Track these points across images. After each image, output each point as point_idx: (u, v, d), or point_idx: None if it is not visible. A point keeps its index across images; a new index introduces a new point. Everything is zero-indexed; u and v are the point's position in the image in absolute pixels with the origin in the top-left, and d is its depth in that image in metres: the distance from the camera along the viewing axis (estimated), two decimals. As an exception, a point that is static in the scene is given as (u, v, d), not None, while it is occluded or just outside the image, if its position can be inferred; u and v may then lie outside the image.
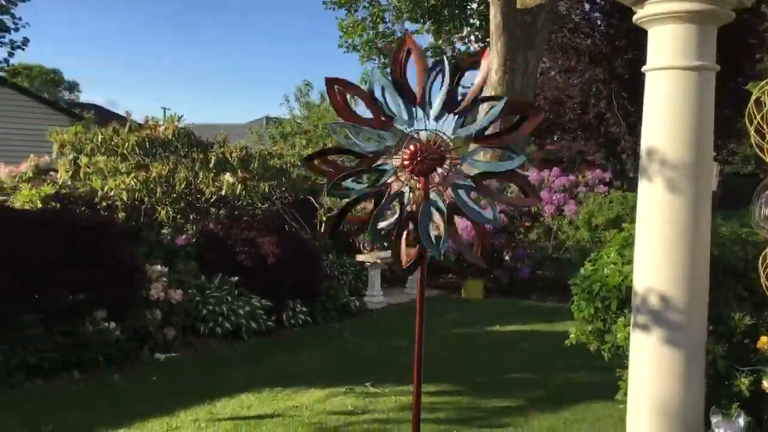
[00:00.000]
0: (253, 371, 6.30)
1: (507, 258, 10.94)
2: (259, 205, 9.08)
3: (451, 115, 3.34)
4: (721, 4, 3.45)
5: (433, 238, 3.33)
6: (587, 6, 21.38)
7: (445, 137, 3.38)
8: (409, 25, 22.59)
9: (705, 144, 3.53)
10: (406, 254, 3.43)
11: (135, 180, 8.01)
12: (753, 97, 3.54)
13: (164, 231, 8.11)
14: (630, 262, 3.92)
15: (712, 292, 3.66)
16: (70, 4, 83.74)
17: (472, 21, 22.35)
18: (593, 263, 4.33)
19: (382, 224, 3.46)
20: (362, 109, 3.54)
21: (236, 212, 8.92)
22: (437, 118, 3.37)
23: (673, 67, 3.48)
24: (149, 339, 6.72)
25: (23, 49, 28.31)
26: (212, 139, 9.12)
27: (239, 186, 8.36)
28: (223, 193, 8.40)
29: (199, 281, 7.56)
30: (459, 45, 23.01)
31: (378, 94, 3.44)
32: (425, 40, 23.57)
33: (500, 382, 6.08)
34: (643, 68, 3.64)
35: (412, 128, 3.41)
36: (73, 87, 48.43)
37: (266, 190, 8.74)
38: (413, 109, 3.40)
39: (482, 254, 3.44)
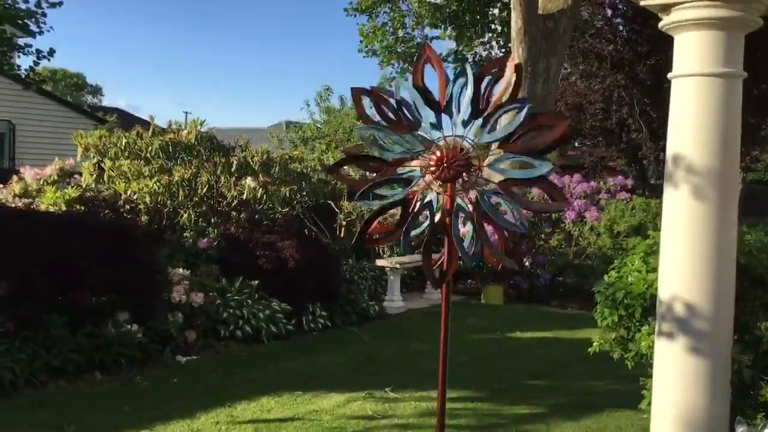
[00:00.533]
0: (273, 375, 6.32)
1: (527, 264, 10.90)
2: (280, 209, 9.13)
3: (477, 121, 3.34)
4: (750, 10, 3.43)
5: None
6: (609, 11, 21.29)
7: (467, 144, 3.38)
8: (429, 31, 22.59)
9: (732, 151, 3.50)
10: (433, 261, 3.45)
11: (158, 183, 8.09)
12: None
13: (186, 234, 8.17)
14: (654, 269, 3.89)
15: (737, 300, 3.63)
16: (90, 7, 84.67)
17: (493, 27, 22.29)
18: (617, 271, 4.30)
19: (415, 231, 3.48)
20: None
21: (257, 216, 8.97)
22: (464, 125, 3.37)
23: (700, 74, 3.46)
24: (171, 341, 6.76)
25: (49, 60, 28.70)
26: (234, 143, 9.20)
27: (260, 190, 8.42)
28: (244, 197, 8.46)
29: (220, 284, 7.60)
30: (480, 50, 22.95)
31: (407, 98, 3.46)
32: (446, 45, 23.55)
33: (521, 389, 6.05)
34: (669, 75, 3.62)
35: (437, 135, 3.41)
36: (96, 91, 49.11)
37: (287, 194, 8.80)
38: (438, 117, 3.40)
39: (509, 255, 3.46)
